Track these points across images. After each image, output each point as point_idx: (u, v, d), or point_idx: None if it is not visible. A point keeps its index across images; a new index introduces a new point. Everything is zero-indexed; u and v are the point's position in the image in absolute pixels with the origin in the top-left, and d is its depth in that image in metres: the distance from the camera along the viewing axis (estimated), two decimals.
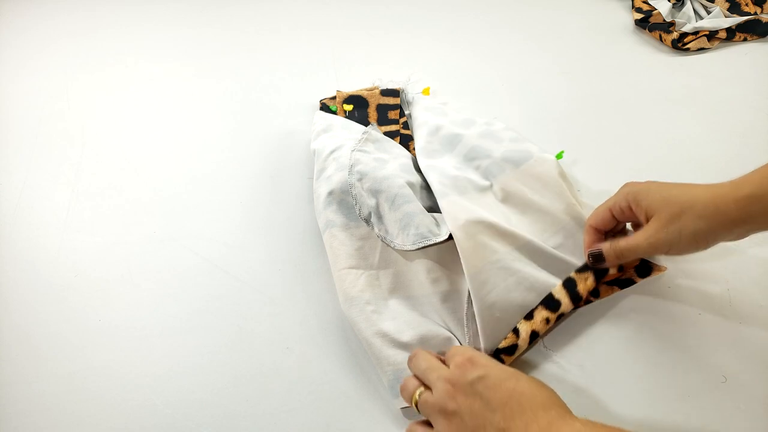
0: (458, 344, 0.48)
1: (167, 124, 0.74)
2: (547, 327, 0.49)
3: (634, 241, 0.47)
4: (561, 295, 0.49)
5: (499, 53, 0.82)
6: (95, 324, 0.53)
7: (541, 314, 0.49)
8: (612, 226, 0.51)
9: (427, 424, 0.42)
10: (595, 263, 0.50)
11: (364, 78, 0.77)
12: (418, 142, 0.64)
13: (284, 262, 0.57)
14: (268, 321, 0.52)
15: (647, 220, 0.46)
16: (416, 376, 0.44)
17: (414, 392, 0.42)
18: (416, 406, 0.42)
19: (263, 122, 0.73)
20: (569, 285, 0.50)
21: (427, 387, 0.42)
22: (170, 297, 0.55)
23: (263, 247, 0.58)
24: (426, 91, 0.73)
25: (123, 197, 0.64)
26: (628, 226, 0.53)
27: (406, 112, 0.71)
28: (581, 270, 0.51)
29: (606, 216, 0.50)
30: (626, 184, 0.49)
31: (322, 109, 0.72)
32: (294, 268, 0.56)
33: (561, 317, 0.50)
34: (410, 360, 0.45)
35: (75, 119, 0.75)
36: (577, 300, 0.50)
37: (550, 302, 0.49)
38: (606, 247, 0.49)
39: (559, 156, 0.60)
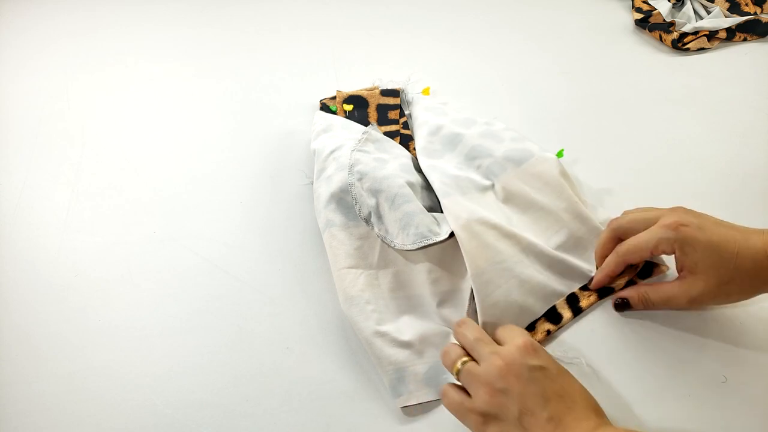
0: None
1: (167, 124, 0.74)
2: (548, 337, 0.49)
3: (670, 293, 0.45)
4: (563, 309, 0.50)
5: (499, 53, 0.82)
6: (95, 324, 0.53)
7: (543, 326, 0.50)
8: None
9: (463, 390, 0.41)
10: (620, 309, 0.50)
11: (364, 78, 0.77)
12: (419, 142, 0.64)
13: (284, 262, 0.57)
14: (268, 321, 0.52)
15: (691, 274, 0.44)
16: (461, 345, 0.43)
17: (457, 360, 0.41)
18: (457, 373, 0.41)
19: (263, 122, 0.73)
20: (572, 300, 0.51)
21: (472, 358, 0.41)
22: (170, 297, 0.55)
23: (263, 247, 0.58)
24: (426, 91, 0.73)
25: (123, 197, 0.64)
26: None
27: (406, 112, 0.71)
28: (584, 288, 0.52)
29: (644, 255, 0.46)
30: (670, 224, 0.44)
31: (322, 109, 0.72)
32: (294, 268, 0.56)
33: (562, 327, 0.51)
34: (458, 327, 0.44)
35: (75, 119, 0.75)
36: (578, 313, 0.50)
37: (552, 315, 0.50)
38: (634, 297, 0.48)
39: (559, 154, 0.60)
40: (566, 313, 0.50)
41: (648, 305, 0.47)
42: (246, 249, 0.58)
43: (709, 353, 0.48)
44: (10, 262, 0.58)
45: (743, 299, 0.45)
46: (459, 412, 0.41)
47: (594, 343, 0.49)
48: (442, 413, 0.46)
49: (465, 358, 0.42)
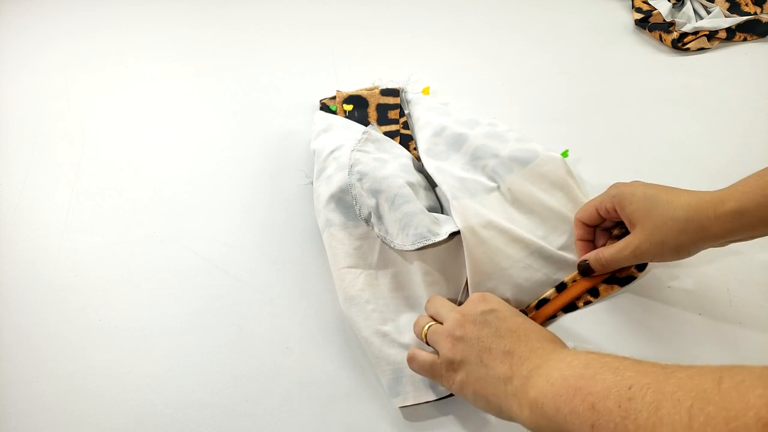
0: None
1: (167, 124, 0.74)
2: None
3: (617, 251, 0.48)
4: (551, 293, 0.52)
5: (499, 53, 0.82)
6: (95, 324, 0.53)
7: (532, 304, 0.52)
8: (599, 222, 0.52)
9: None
10: (583, 274, 0.51)
11: (364, 78, 0.77)
12: (422, 144, 0.64)
13: (284, 262, 0.57)
14: (268, 321, 0.52)
15: (632, 226, 0.47)
16: (430, 316, 0.47)
17: (424, 326, 0.46)
18: (425, 337, 0.45)
19: (263, 122, 0.73)
20: (560, 287, 0.52)
21: (438, 323, 0.45)
22: (170, 297, 0.55)
23: (263, 247, 0.58)
24: (426, 91, 0.73)
25: (123, 197, 0.64)
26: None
27: (406, 112, 0.71)
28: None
29: (592, 213, 0.51)
30: (613, 186, 0.50)
31: (322, 109, 0.72)
32: (294, 268, 0.56)
33: (553, 317, 0.51)
34: (427, 302, 0.48)
35: (75, 119, 0.75)
36: (562, 288, 0.52)
37: (540, 303, 0.52)
38: (592, 258, 0.50)
39: (564, 154, 0.60)
40: (553, 295, 0.52)
41: (604, 264, 0.49)
42: (246, 249, 0.58)
43: (709, 353, 0.48)
44: (10, 262, 0.58)
45: (684, 254, 0.45)
46: (428, 369, 0.44)
47: (593, 343, 0.49)
48: (442, 414, 0.46)
49: (431, 323, 0.46)
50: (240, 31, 0.89)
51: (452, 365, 0.42)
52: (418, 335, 0.46)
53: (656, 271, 0.54)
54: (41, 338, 0.52)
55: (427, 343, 0.45)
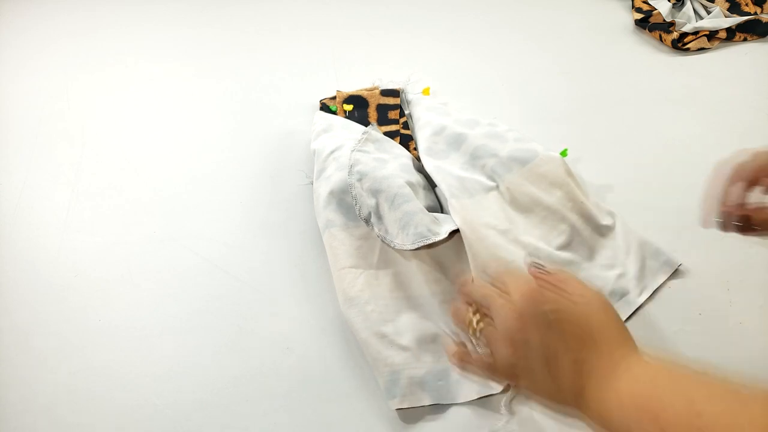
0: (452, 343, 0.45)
1: (167, 124, 0.74)
2: None
3: None
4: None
5: (499, 53, 0.82)
6: (95, 324, 0.53)
7: None
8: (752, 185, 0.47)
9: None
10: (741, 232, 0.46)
11: (364, 78, 0.77)
12: (422, 143, 0.64)
13: (284, 262, 0.57)
14: (268, 321, 0.52)
15: None
16: (473, 302, 0.41)
17: (471, 318, 0.40)
18: (473, 333, 0.40)
19: (263, 122, 0.73)
20: None
21: (483, 314, 0.40)
22: (170, 297, 0.55)
23: (263, 247, 0.58)
24: (426, 91, 0.73)
25: (123, 197, 0.64)
26: None
27: (406, 112, 0.71)
28: None
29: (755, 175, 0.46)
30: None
31: (322, 109, 0.72)
32: (294, 268, 0.56)
33: None
34: (463, 287, 0.42)
35: (75, 119, 0.75)
36: None
37: None
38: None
39: (563, 153, 0.60)
40: None
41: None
42: (246, 249, 0.58)
43: (710, 353, 0.48)
44: (10, 262, 0.58)
45: None
46: (483, 371, 0.40)
47: None
48: (439, 415, 0.46)
49: (478, 316, 0.40)
50: (240, 31, 0.89)
51: (514, 371, 0.38)
52: (464, 327, 0.41)
53: None
54: (41, 338, 0.52)
55: (475, 337, 0.40)
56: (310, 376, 0.48)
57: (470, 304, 0.41)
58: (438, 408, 0.46)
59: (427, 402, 0.46)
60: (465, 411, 0.46)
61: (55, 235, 0.61)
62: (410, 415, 0.46)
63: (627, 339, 0.38)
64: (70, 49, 0.87)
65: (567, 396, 0.36)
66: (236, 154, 0.69)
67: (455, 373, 0.47)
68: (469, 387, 0.47)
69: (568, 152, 0.61)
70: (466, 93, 0.75)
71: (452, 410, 0.46)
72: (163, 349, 0.51)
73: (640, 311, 0.51)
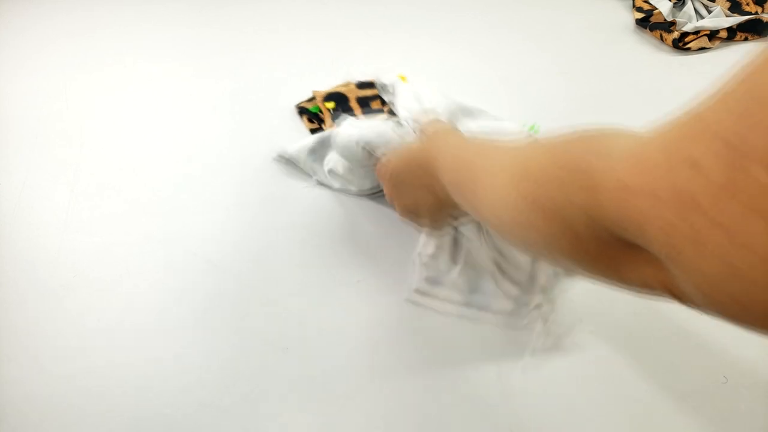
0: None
1: (166, 124, 0.74)
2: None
3: None
4: None
5: (498, 53, 0.82)
6: (95, 324, 0.53)
7: None
8: None
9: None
10: None
11: (362, 78, 0.77)
12: (401, 111, 0.65)
13: (284, 262, 0.57)
14: (268, 321, 0.52)
15: None
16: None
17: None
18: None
19: (262, 122, 0.72)
20: None
21: None
22: (170, 297, 0.54)
23: (263, 247, 0.58)
24: (402, 78, 0.73)
25: (122, 197, 0.64)
26: None
27: (387, 100, 0.71)
28: None
29: None
30: None
31: (301, 113, 0.72)
32: (294, 267, 0.56)
33: None
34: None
35: (74, 119, 0.75)
36: None
37: None
38: None
39: (532, 128, 0.60)
40: None
41: None
42: (246, 249, 0.58)
43: (710, 353, 0.48)
44: (10, 262, 0.58)
45: None
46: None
47: (594, 343, 0.49)
48: (444, 416, 0.46)
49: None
50: (239, 31, 0.89)
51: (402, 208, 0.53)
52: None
53: None
54: (41, 338, 0.52)
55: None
56: (310, 376, 0.48)
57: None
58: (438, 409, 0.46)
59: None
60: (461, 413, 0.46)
61: (54, 235, 0.61)
62: (414, 414, 0.46)
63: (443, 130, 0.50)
64: (68, 49, 0.87)
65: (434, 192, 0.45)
66: (235, 154, 0.68)
67: None
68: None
69: (537, 128, 0.61)
70: (465, 93, 0.75)
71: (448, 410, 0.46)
72: (163, 349, 0.51)
73: (639, 312, 0.51)
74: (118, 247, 0.59)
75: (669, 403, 0.45)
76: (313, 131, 0.70)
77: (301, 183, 0.64)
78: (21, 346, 0.51)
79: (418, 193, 0.48)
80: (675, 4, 0.87)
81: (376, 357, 0.49)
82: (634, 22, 0.86)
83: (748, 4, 0.86)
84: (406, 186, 0.49)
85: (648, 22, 0.84)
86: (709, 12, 0.86)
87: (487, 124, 0.64)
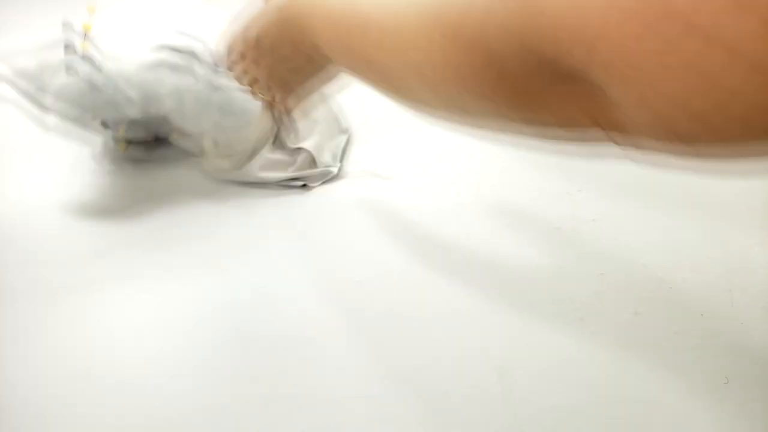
0: None
1: None
2: None
3: None
4: None
5: None
6: (95, 324, 0.53)
7: None
8: None
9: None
10: None
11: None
12: None
13: (284, 262, 0.57)
14: (269, 321, 0.52)
15: None
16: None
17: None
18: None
19: None
20: None
21: None
22: (170, 297, 0.54)
23: (263, 247, 0.58)
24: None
25: (121, 196, 0.64)
26: None
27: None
28: None
29: None
30: None
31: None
32: (294, 267, 0.56)
33: None
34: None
35: None
36: None
37: None
38: None
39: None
40: None
41: None
42: (248, 249, 0.58)
43: (711, 354, 0.48)
44: (10, 262, 0.58)
45: None
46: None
47: (594, 343, 0.49)
48: (444, 415, 0.45)
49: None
50: None
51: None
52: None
53: (657, 272, 0.53)
54: (41, 338, 0.52)
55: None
56: (310, 376, 0.48)
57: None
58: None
59: None
60: None
61: (54, 234, 0.61)
62: (413, 414, 0.46)
63: None
64: None
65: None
66: None
67: None
68: None
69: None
70: None
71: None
72: (163, 350, 0.51)
73: (639, 312, 0.51)
74: (118, 247, 0.59)
75: (669, 403, 0.45)
76: None
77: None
78: (21, 346, 0.51)
79: (283, 66, 0.43)
80: None
81: (377, 357, 0.49)
82: None
83: None
84: (267, 58, 0.44)
85: None
86: None
87: None
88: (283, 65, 0.43)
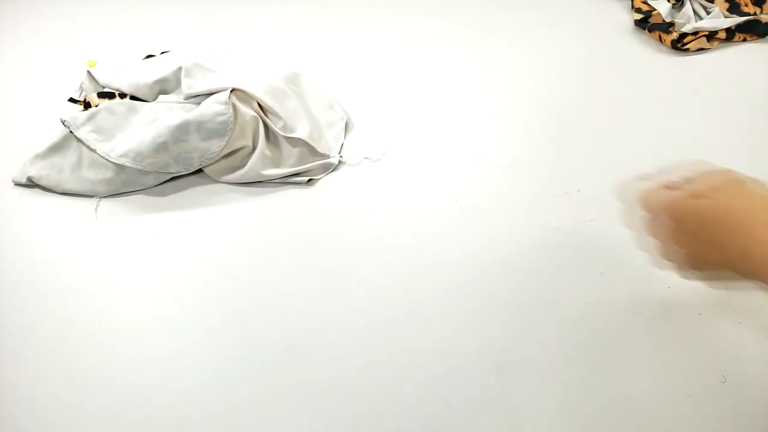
0: None
1: None
2: None
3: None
4: None
5: (498, 55, 0.82)
6: (96, 324, 0.53)
7: None
8: None
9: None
10: None
11: (361, 82, 0.77)
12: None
13: (284, 262, 0.57)
14: (268, 321, 0.52)
15: None
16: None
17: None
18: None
19: None
20: None
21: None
22: (170, 297, 0.54)
23: (263, 247, 0.58)
24: (92, 64, 0.75)
25: (121, 197, 0.64)
26: None
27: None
28: None
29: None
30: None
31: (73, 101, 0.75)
32: (294, 268, 0.56)
33: None
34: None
35: None
36: None
37: None
38: None
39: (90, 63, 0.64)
40: None
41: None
42: (246, 249, 0.58)
43: (709, 353, 0.48)
44: (10, 262, 0.58)
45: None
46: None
47: (594, 343, 0.49)
48: (444, 415, 0.46)
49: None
50: (239, 31, 0.89)
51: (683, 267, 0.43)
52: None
53: (657, 272, 0.54)
54: (41, 339, 0.52)
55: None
56: (310, 376, 0.48)
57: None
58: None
59: None
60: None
61: (54, 235, 0.61)
62: (413, 414, 0.46)
63: None
64: (68, 49, 0.87)
65: (736, 264, 0.38)
66: None
67: None
68: None
69: (95, 63, 0.68)
70: (465, 94, 0.75)
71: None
72: (163, 349, 0.51)
73: (639, 313, 0.51)
74: (119, 247, 0.59)
75: (669, 403, 0.45)
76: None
77: (300, 182, 0.64)
78: (21, 346, 0.51)
79: (708, 249, 0.40)
80: (674, 5, 0.87)
81: (377, 357, 0.49)
82: (632, 23, 0.86)
83: (746, 5, 0.86)
84: (689, 238, 0.41)
85: (647, 23, 0.84)
86: (708, 13, 0.86)
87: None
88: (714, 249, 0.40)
